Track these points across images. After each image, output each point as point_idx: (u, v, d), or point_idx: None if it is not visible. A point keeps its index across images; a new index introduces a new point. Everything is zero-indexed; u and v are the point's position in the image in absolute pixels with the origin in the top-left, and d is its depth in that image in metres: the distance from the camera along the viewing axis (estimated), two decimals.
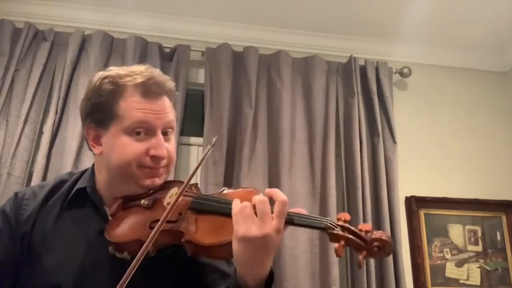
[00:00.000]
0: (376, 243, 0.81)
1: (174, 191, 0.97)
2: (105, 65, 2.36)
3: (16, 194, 1.04)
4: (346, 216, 0.85)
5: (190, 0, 2.48)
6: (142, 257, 0.78)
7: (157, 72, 1.01)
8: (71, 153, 2.16)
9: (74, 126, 2.22)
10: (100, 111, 0.98)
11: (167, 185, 1.01)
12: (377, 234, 0.82)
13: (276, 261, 2.19)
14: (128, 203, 0.98)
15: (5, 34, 2.34)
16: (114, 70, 1.01)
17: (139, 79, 0.97)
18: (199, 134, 2.40)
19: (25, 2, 2.49)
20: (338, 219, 0.85)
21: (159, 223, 0.83)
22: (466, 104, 2.81)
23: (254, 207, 0.82)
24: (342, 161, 2.46)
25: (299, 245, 2.23)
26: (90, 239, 0.96)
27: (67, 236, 0.96)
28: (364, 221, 2.29)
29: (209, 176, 2.24)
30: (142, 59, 2.41)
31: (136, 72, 0.99)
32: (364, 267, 2.20)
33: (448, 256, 2.46)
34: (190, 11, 2.55)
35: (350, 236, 0.82)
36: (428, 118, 2.73)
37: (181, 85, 2.40)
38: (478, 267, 2.47)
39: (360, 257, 0.82)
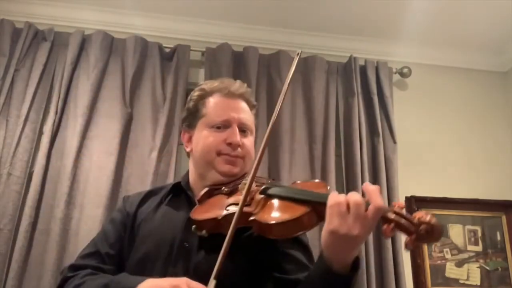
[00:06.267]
0: (423, 226, 0.81)
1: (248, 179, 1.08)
2: (105, 65, 2.36)
3: (124, 197, 1.33)
4: (400, 204, 0.87)
5: (190, 0, 2.48)
6: (234, 226, 0.93)
7: (237, 82, 1.25)
8: (71, 153, 2.17)
9: (74, 126, 2.22)
10: (191, 114, 1.24)
11: (246, 176, 1.14)
12: (426, 217, 0.82)
13: None
14: (213, 191, 1.14)
15: (5, 34, 2.34)
16: (204, 84, 1.28)
17: (221, 85, 1.23)
18: None
19: (25, 2, 2.49)
20: (393, 205, 0.87)
21: (240, 201, 0.96)
22: (466, 104, 2.81)
23: (348, 205, 0.85)
24: (342, 161, 2.46)
25: None
26: (180, 221, 1.13)
27: (162, 218, 1.17)
28: None
29: None
30: (142, 59, 2.41)
31: (220, 80, 1.26)
32: (364, 267, 2.20)
33: (448, 256, 2.46)
34: (190, 11, 2.54)
35: (401, 219, 0.83)
36: (428, 118, 2.73)
37: (181, 85, 2.40)
38: (478, 267, 2.47)
39: (409, 239, 0.82)
